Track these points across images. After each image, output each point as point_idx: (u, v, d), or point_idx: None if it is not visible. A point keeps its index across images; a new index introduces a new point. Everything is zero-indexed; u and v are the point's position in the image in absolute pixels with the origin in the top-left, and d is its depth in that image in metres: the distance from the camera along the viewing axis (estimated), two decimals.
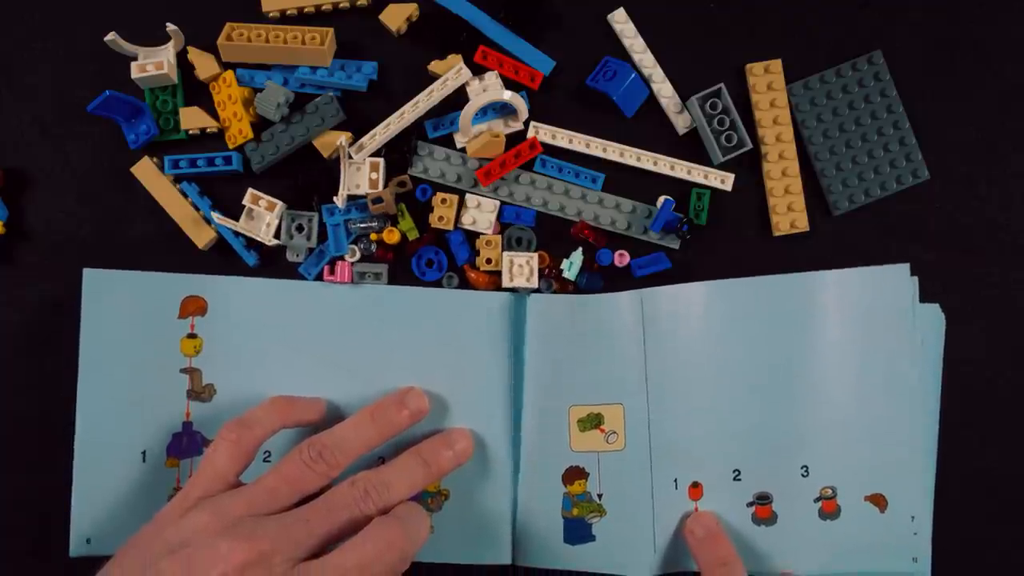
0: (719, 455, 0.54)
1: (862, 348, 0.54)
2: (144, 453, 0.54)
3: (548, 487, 0.54)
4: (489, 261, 0.55)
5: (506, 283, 0.54)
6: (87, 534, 0.53)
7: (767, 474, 0.54)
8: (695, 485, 0.54)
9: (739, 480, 0.54)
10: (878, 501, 0.54)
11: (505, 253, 0.54)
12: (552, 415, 0.54)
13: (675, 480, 0.54)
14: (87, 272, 0.54)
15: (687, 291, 0.54)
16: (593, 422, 0.54)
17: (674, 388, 0.54)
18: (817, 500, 0.54)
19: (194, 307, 0.54)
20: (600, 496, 0.54)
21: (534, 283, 0.54)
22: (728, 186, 0.55)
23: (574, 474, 0.54)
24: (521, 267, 0.54)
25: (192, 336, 0.54)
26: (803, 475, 0.54)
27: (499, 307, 0.54)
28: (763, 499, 0.54)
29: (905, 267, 0.54)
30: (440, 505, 0.54)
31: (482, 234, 0.55)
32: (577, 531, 0.54)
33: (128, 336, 0.54)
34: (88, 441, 0.53)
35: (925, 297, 0.55)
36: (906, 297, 0.54)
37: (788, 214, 0.55)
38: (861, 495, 0.54)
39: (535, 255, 0.54)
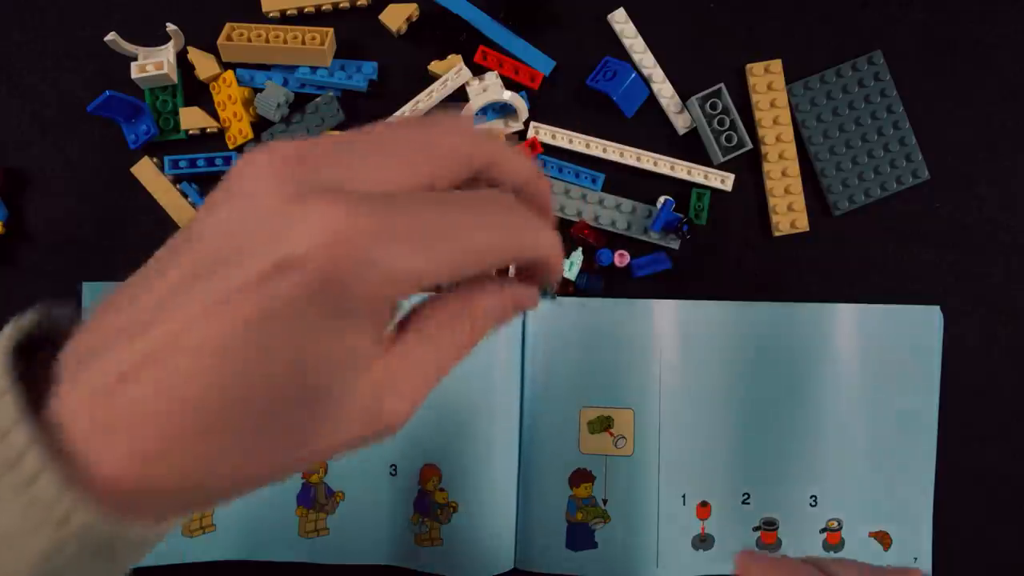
0: (730, 476, 0.54)
1: (883, 385, 0.54)
2: None
3: (554, 489, 0.54)
4: None
5: None
6: None
7: (776, 500, 0.54)
8: (704, 504, 0.54)
9: (748, 504, 0.54)
10: (883, 538, 0.54)
11: None
12: (562, 416, 0.54)
13: (683, 496, 0.54)
14: (87, 285, 0.54)
15: (708, 308, 0.54)
16: (602, 424, 0.54)
17: (688, 401, 0.54)
18: (823, 531, 0.54)
19: None
20: (605, 502, 0.54)
21: None
22: (728, 186, 0.55)
23: (581, 476, 0.54)
24: None
25: None
26: (811, 505, 0.54)
27: None
28: (770, 525, 0.54)
29: (935, 309, 0.55)
30: (448, 517, 0.54)
31: None
32: (580, 537, 0.54)
33: None
34: None
35: (925, 297, 0.55)
36: (933, 339, 0.54)
37: (788, 214, 0.55)
38: (867, 530, 0.54)
39: None
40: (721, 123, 0.54)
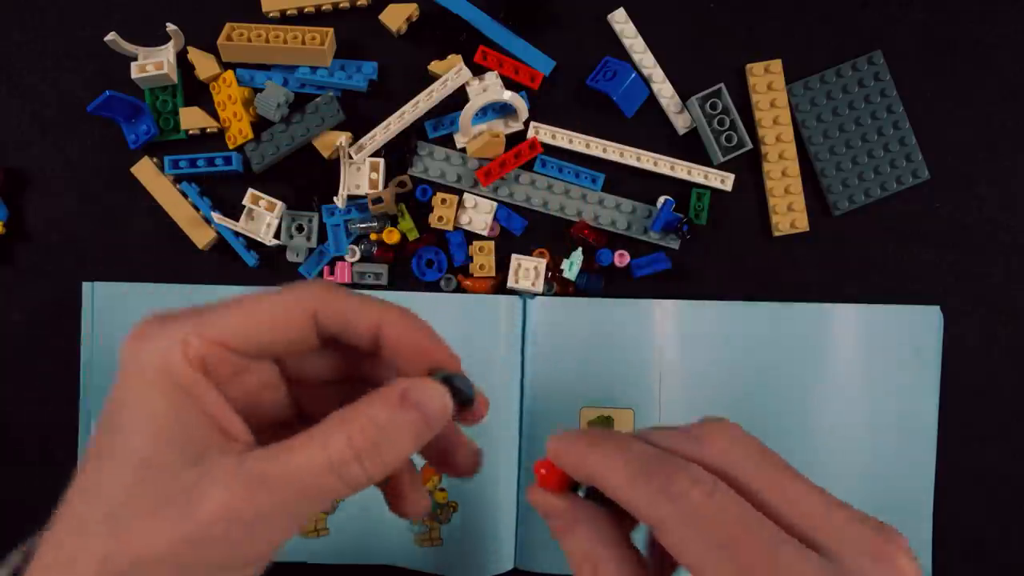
0: None
1: (883, 385, 0.54)
2: None
3: None
4: (482, 267, 0.55)
5: (511, 283, 0.54)
6: None
7: None
8: None
9: None
10: None
11: (514, 256, 0.54)
12: (562, 415, 0.54)
13: None
14: (87, 285, 0.54)
15: (708, 308, 0.54)
16: (603, 425, 0.54)
17: (688, 401, 0.54)
18: None
19: None
20: None
21: (539, 287, 0.54)
22: (728, 186, 0.55)
23: None
24: (528, 271, 0.54)
25: None
26: None
27: (506, 311, 0.54)
28: None
29: (935, 309, 0.55)
30: (448, 517, 0.54)
31: (479, 234, 0.55)
32: None
33: None
34: None
35: (925, 297, 0.55)
36: (933, 339, 0.54)
37: (788, 214, 0.55)
38: None
39: (543, 260, 0.54)
40: (721, 123, 0.54)
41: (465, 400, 0.30)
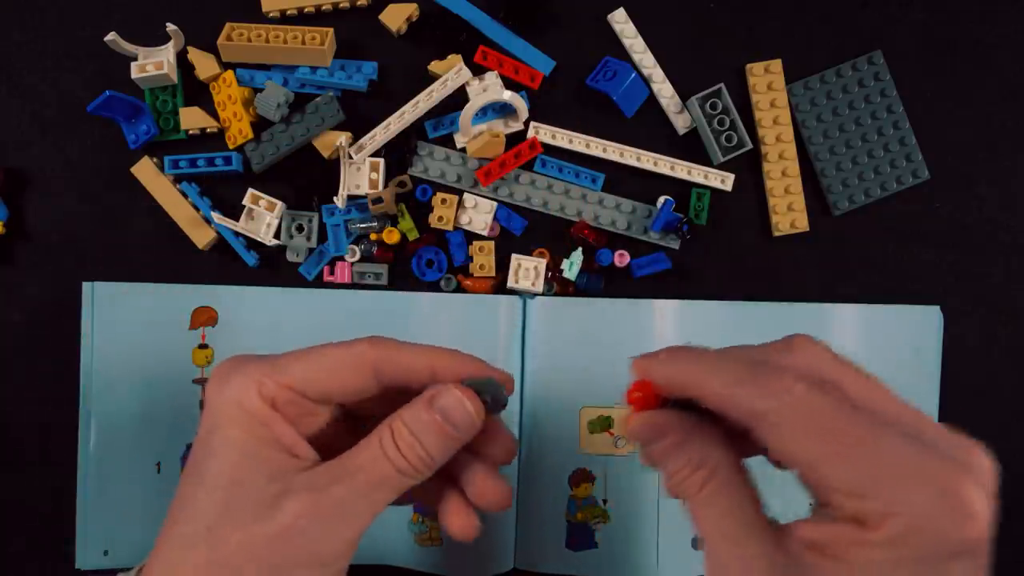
0: None
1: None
2: (159, 464, 0.54)
3: (554, 488, 0.54)
4: (482, 267, 0.55)
5: (511, 283, 0.54)
6: (103, 546, 0.53)
7: (776, 503, 0.54)
8: None
9: None
10: None
11: (514, 256, 0.54)
12: (562, 415, 0.54)
13: None
14: (87, 285, 0.54)
15: (708, 308, 0.54)
16: (603, 424, 0.54)
17: None
18: None
19: (205, 318, 0.54)
20: (605, 502, 0.54)
21: (539, 287, 0.54)
22: (728, 186, 0.55)
23: (581, 476, 0.54)
24: (528, 271, 0.54)
25: (203, 347, 0.54)
26: (811, 506, 0.53)
27: (506, 311, 0.54)
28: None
29: (935, 309, 0.55)
30: None
31: (479, 234, 0.55)
32: (579, 537, 0.54)
33: (137, 348, 0.54)
34: (99, 453, 0.53)
35: (925, 297, 0.55)
36: (933, 339, 0.54)
37: (788, 214, 0.55)
38: None
39: (543, 260, 0.54)
40: (721, 123, 0.54)
41: (492, 401, 0.33)
